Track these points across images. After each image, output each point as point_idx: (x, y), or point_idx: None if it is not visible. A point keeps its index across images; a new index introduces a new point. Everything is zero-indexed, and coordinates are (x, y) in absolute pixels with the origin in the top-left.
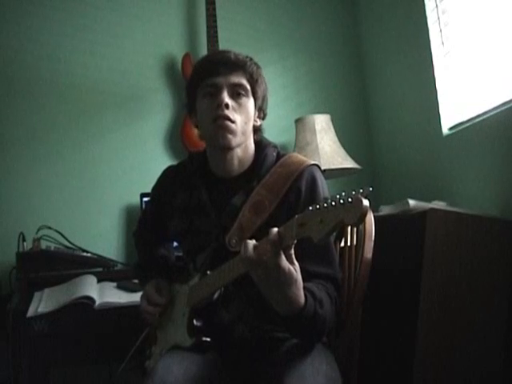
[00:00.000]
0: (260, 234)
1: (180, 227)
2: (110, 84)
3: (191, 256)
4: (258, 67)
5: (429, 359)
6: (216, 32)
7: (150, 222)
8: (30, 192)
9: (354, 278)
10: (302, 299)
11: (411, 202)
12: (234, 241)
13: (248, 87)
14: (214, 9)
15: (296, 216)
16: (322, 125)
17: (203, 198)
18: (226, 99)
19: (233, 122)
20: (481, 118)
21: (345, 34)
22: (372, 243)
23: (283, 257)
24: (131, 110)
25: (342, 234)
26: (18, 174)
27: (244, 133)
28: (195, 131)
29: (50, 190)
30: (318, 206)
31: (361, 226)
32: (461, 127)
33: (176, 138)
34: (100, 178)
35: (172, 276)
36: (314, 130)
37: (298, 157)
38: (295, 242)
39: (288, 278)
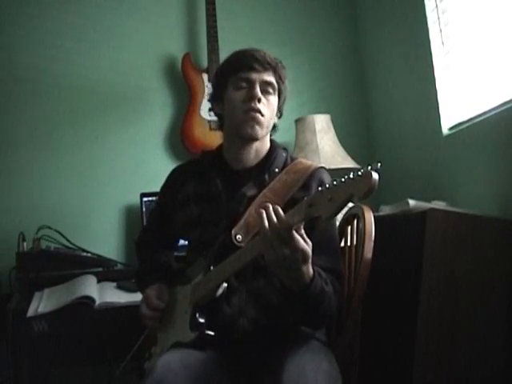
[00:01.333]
0: None
1: (189, 216)
2: (110, 84)
3: (198, 249)
4: (285, 69)
5: (429, 359)
6: (216, 32)
7: (155, 223)
8: (30, 192)
9: (354, 277)
10: (311, 273)
11: (411, 202)
12: (239, 236)
13: (276, 86)
14: (214, 9)
15: (305, 197)
16: (322, 125)
17: (218, 188)
18: (260, 94)
19: (263, 115)
20: (481, 118)
21: (345, 34)
22: (372, 243)
23: (302, 231)
24: (131, 110)
25: (342, 234)
26: (18, 174)
27: (268, 127)
28: (195, 131)
29: (50, 190)
30: (327, 186)
31: (361, 226)
32: (461, 127)
33: (176, 138)
34: (100, 178)
35: (173, 280)
36: (314, 129)
37: (303, 163)
38: (303, 223)
39: (304, 254)
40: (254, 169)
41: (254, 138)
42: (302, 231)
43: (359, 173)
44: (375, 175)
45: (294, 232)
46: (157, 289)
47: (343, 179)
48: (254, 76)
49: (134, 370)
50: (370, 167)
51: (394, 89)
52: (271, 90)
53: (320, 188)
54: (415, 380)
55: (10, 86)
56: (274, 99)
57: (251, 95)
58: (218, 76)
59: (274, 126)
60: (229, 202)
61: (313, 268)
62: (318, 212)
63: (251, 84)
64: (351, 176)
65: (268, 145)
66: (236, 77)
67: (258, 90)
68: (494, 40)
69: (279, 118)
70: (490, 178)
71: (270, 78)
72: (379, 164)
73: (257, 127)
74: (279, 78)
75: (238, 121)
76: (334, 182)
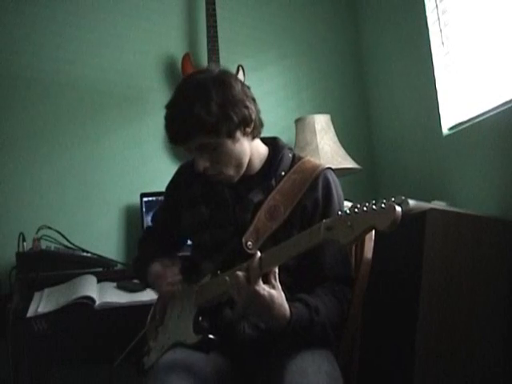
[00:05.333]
0: (275, 237)
1: (198, 217)
2: (110, 84)
3: (205, 251)
4: (208, 103)
5: (429, 359)
6: (216, 32)
7: (161, 221)
8: (29, 192)
9: (354, 277)
10: (287, 312)
11: (411, 202)
12: (249, 243)
13: (212, 139)
14: (214, 9)
15: (324, 220)
16: (321, 125)
17: (222, 190)
18: (201, 165)
19: (220, 173)
20: (481, 118)
21: (345, 33)
22: (372, 243)
23: (260, 284)
24: (131, 109)
25: None
26: (17, 174)
27: (240, 165)
28: None
29: (50, 190)
30: (348, 211)
31: None
32: (461, 127)
33: None
34: (100, 178)
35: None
36: (314, 129)
37: (311, 162)
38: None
39: (269, 302)
40: (259, 174)
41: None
42: (272, 274)
43: (382, 205)
44: (399, 209)
45: (260, 283)
46: (160, 262)
47: (365, 208)
48: (185, 147)
49: (133, 365)
50: (393, 199)
51: (394, 89)
52: (211, 147)
53: (340, 212)
54: (415, 380)
55: (10, 85)
56: (220, 145)
57: (197, 168)
58: None
59: (257, 128)
60: (235, 208)
61: (290, 306)
62: (336, 236)
63: (190, 153)
64: (374, 207)
65: (262, 149)
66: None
67: (198, 161)
68: (494, 40)
69: (251, 121)
70: (490, 178)
71: (197, 142)
72: (403, 197)
73: (226, 181)
74: (207, 130)
75: None
76: (356, 210)
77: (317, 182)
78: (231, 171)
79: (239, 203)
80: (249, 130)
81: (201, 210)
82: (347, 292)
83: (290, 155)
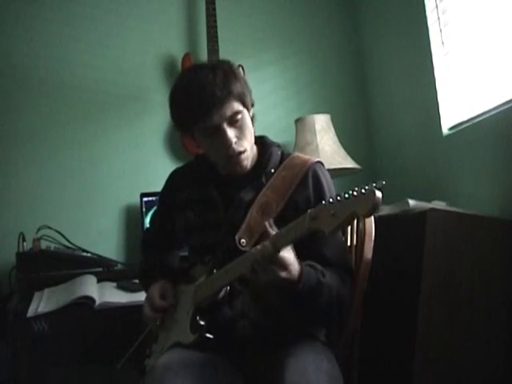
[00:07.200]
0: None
1: (188, 221)
2: (110, 84)
3: (200, 254)
4: (235, 74)
5: (429, 359)
6: (216, 32)
7: (158, 225)
8: (29, 192)
9: (354, 277)
10: (297, 270)
11: (411, 202)
12: (243, 240)
13: (241, 107)
14: (214, 9)
15: (309, 210)
16: (321, 125)
17: (212, 193)
18: (232, 138)
19: (244, 151)
20: (481, 118)
21: (345, 34)
22: (372, 243)
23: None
24: (131, 109)
25: (343, 234)
26: (18, 174)
27: (252, 146)
28: None
29: (50, 190)
30: (331, 200)
31: (361, 226)
32: (461, 127)
33: (176, 138)
34: (100, 177)
35: (178, 278)
36: (314, 130)
37: (300, 157)
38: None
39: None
40: (250, 172)
41: (244, 171)
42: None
43: (363, 190)
44: (378, 194)
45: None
46: (160, 288)
47: (347, 195)
48: (216, 119)
49: (135, 367)
50: (374, 185)
51: (394, 89)
52: (239, 116)
53: (324, 202)
54: (415, 380)
55: (10, 85)
56: (245, 118)
57: (224, 144)
58: (177, 125)
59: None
60: (227, 207)
61: (300, 263)
62: (320, 226)
63: (218, 129)
64: (355, 193)
65: (255, 147)
66: (197, 127)
67: (228, 133)
68: (493, 40)
69: (252, 105)
70: (490, 178)
71: (231, 108)
72: (384, 182)
73: (244, 165)
74: (238, 96)
75: (220, 163)
76: (338, 198)
77: (307, 178)
78: (249, 148)
79: (230, 203)
80: (251, 114)
81: (188, 214)
82: (349, 280)
83: (279, 152)
